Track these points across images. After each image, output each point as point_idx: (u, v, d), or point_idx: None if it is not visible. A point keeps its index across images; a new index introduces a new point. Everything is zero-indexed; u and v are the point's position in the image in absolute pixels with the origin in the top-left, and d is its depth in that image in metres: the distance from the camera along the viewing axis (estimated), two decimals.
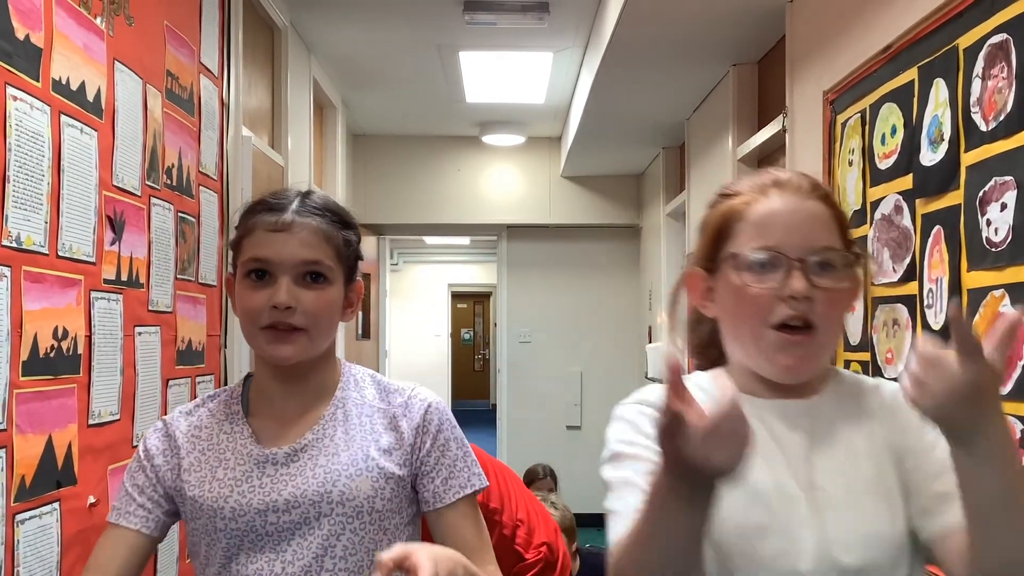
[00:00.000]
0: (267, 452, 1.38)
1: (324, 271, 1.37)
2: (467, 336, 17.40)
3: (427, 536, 1.42)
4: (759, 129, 3.87)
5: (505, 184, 6.98)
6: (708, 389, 0.96)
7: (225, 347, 3.26)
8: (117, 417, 2.35)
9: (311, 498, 1.35)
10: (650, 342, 6.36)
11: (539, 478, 4.70)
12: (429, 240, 12.04)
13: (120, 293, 2.37)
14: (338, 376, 1.47)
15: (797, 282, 1.13)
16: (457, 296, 15.51)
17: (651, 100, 4.81)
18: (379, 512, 1.37)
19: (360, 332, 6.59)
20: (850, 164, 2.71)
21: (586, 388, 7.12)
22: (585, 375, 7.13)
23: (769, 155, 3.87)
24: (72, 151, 2.12)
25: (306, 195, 1.42)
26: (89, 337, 2.19)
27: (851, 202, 2.69)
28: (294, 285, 1.34)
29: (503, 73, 5.27)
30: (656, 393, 1.08)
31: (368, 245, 6.91)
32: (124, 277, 2.39)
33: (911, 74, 2.34)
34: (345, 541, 1.35)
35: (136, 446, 2.45)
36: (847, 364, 2.71)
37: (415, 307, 13.98)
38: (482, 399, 16.50)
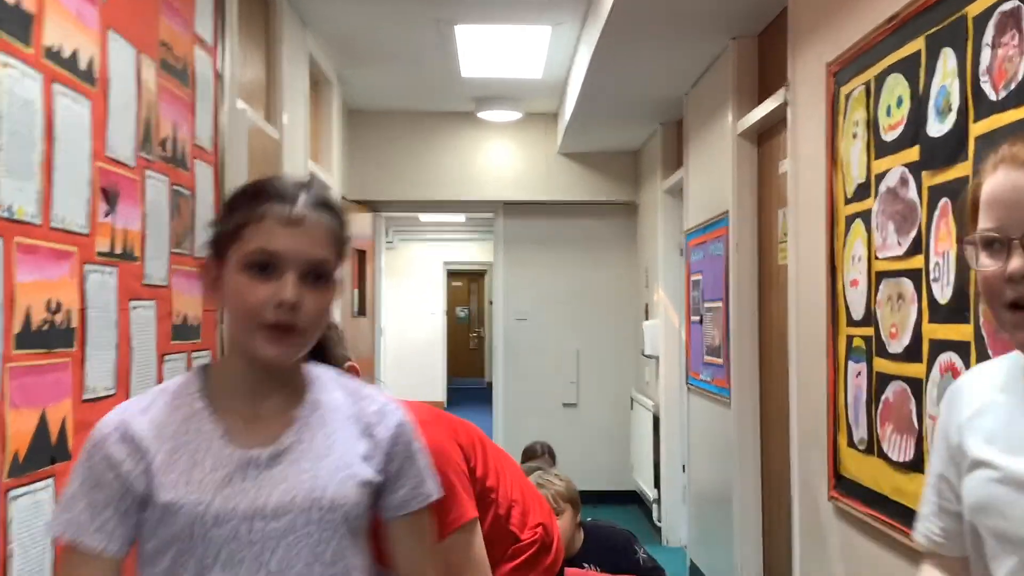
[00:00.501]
0: (249, 453, 1.29)
1: (328, 271, 1.31)
2: (462, 314, 17.37)
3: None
4: (758, 104, 3.83)
5: (501, 160, 6.93)
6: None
7: (222, 322, 3.22)
8: (112, 392, 2.32)
9: (301, 504, 1.28)
10: (647, 319, 6.34)
11: (537, 455, 4.69)
12: (424, 218, 11.98)
13: (114, 266, 2.33)
14: (306, 376, 1.40)
15: (1016, 262, 1.11)
16: (452, 274, 15.47)
17: (649, 75, 4.76)
18: (358, 518, 1.35)
19: (356, 309, 6.56)
20: (854, 137, 2.68)
21: (583, 366, 7.10)
22: (582, 353, 7.11)
23: (770, 129, 3.83)
24: (65, 120, 2.08)
25: (309, 186, 1.34)
26: (83, 311, 2.16)
27: (855, 175, 2.66)
28: (299, 283, 1.27)
29: (500, 47, 5.21)
30: None
31: (363, 222, 6.86)
32: (118, 250, 2.36)
33: (918, 44, 2.30)
34: (333, 548, 1.31)
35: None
36: (849, 339, 2.70)
37: (410, 285, 13.93)
38: (477, 377, 16.50)
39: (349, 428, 1.36)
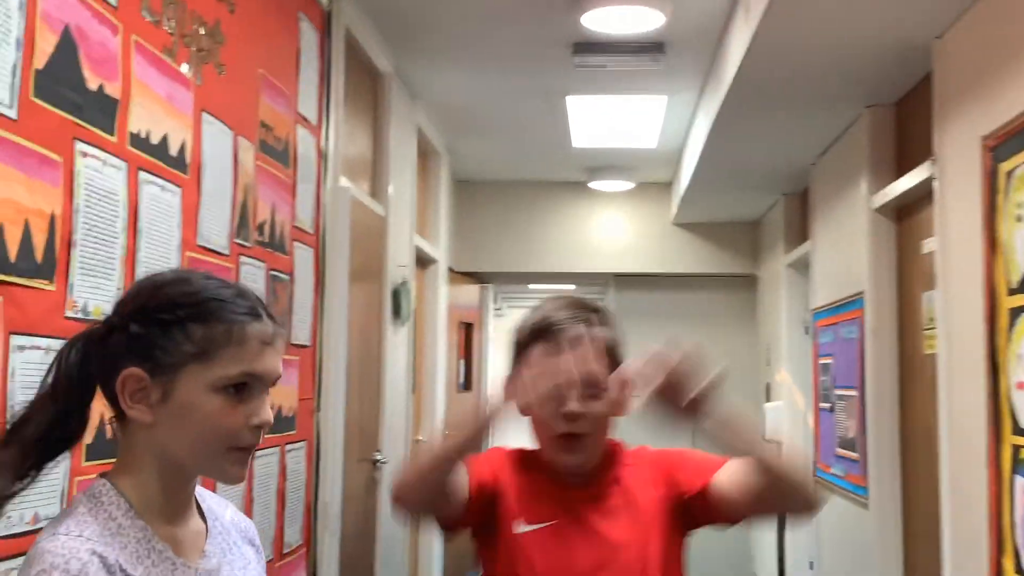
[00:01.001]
0: (201, 567, 1.21)
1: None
2: None
3: None
4: (897, 177, 3.52)
5: (613, 231, 6.71)
6: None
7: (319, 411, 3.07)
8: None
9: None
10: (767, 400, 5.97)
11: None
12: (533, 285, 11.82)
13: None
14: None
15: None
16: None
17: (773, 144, 4.49)
18: None
19: (461, 383, 6.38)
20: (1018, 220, 2.36)
21: (700, 449, 6.72)
22: (699, 436, 6.73)
23: (911, 204, 3.51)
24: (151, 210, 1.96)
25: (257, 298, 1.26)
26: None
27: (1020, 262, 2.34)
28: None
29: (613, 117, 5.03)
30: None
31: (471, 293, 6.72)
32: None
33: None
34: None
35: None
36: (1016, 449, 2.35)
37: None
38: None
39: (238, 537, 1.33)
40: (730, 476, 1.55)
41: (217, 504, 1.32)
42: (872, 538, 3.66)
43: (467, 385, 6.57)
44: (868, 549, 3.72)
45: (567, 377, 1.50)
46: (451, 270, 6.00)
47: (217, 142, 2.27)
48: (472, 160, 6.05)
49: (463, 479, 1.54)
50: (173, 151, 2.05)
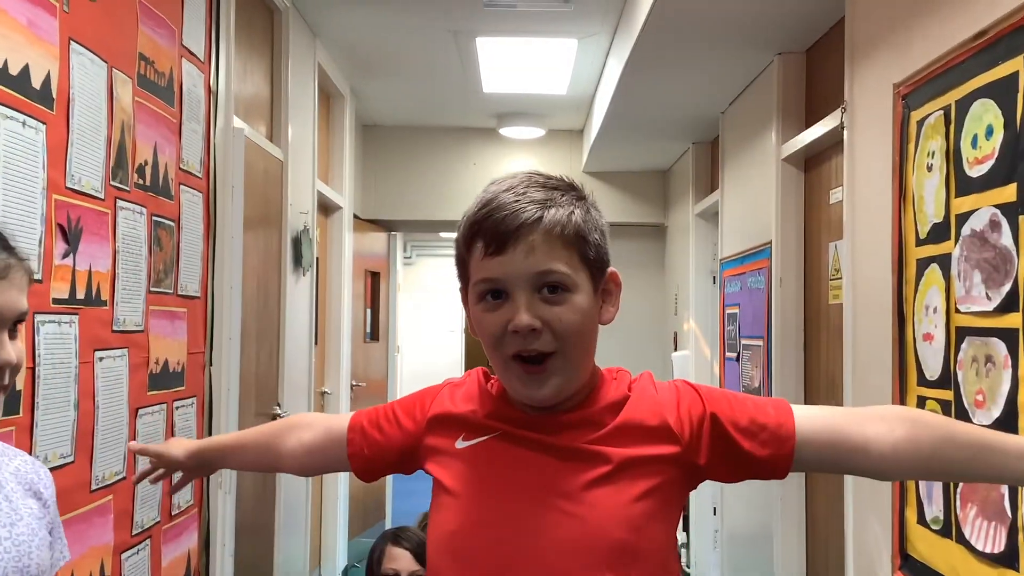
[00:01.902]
0: None
1: None
2: None
3: None
4: (806, 127, 3.48)
5: None
6: None
7: (211, 364, 2.91)
8: (70, 459, 2.00)
9: (10, 574, 1.21)
10: (675, 349, 5.99)
11: None
12: (444, 234, 11.67)
13: (74, 314, 2.02)
14: None
15: None
16: None
17: (684, 91, 4.42)
18: None
19: (368, 334, 6.24)
20: (929, 169, 2.33)
21: None
22: None
23: (819, 154, 3.48)
24: (10, 148, 1.77)
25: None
26: (32, 369, 1.84)
27: (930, 214, 2.31)
28: None
29: (523, 61, 4.89)
30: None
31: (378, 241, 6.55)
32: (80, 295, 2.04)
33: (1014, 64, 1.95)
34: None
35: (97, 489, 2.11)
36: (920, 401, 2.34)
37: (429, 302, 13.64)
38: None
39: (15, 489, 1.28)
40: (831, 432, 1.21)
41: (1, 454, 1.30)
42: (774, 484, 3.68)
43: (375, 335, 6.43)
44: (770, 495, 3.75)
45: (509, 281, 1.14)
46: (356, 217, 5.82)
47: (88, 75, 2.07)
48: (378, 104, 5.85)
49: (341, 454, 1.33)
50: (36, 83, 1.86)
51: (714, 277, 5.28)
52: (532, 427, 1.20)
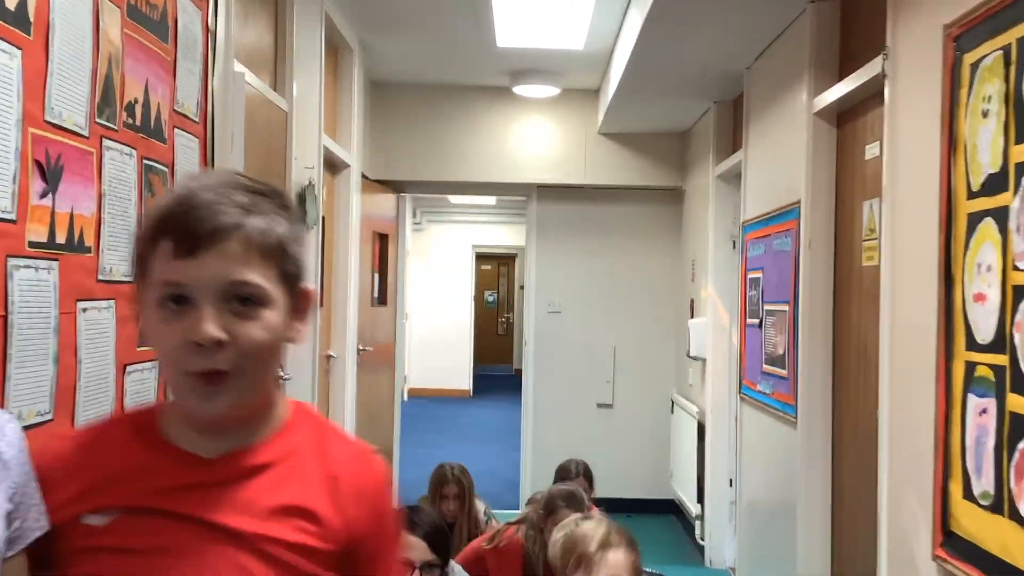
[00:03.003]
0: None
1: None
2: (491, 298, 16.89)
3: None
4: (840, 79, 3.29)
5: (537, 140, 6.41)
6: None
7: None
8: (48, 417, 1.85)
9: None
10: (692, 317, 5.82)
11: (571, 476, 4.17)
12: (454, 199, 11.50)
13: (54, 259, 1.85)
14: None
15: None
16: (481, 257, 14.99)
17: (708, 45, 4.22)
18: None
19: (375, 298, 6.08)
20: (984, 115, 2.14)
21: (619, 364, 6.58)
22: (619, 350, 6.59)
23: (853, 108, 3.28)
24: None
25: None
26: (4, 317, 1.68)
27: (984, 163, 2.13)
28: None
29: (539, 13, 4.69)
30: None
31: (387, 203, 6.38)
32: (60, 239, 1.88)
33: None
34: None
35: None
36: (970, 366, 2.17)
37: (438, 268, 13.48)
38: (505, 364, 16.04)
39: None
40: None
41: None
42: (799, 457, 3.52)
43: (382, 299, 6.27)
44: (793, 468, 3.59)
45: (197, 288, 1.02)
46: (365, 178, 5.64)
47: None
48: (388, 60, 5.65)
49: None
50: (10, 3, 1.68)
51: (734, 242, 5.10)
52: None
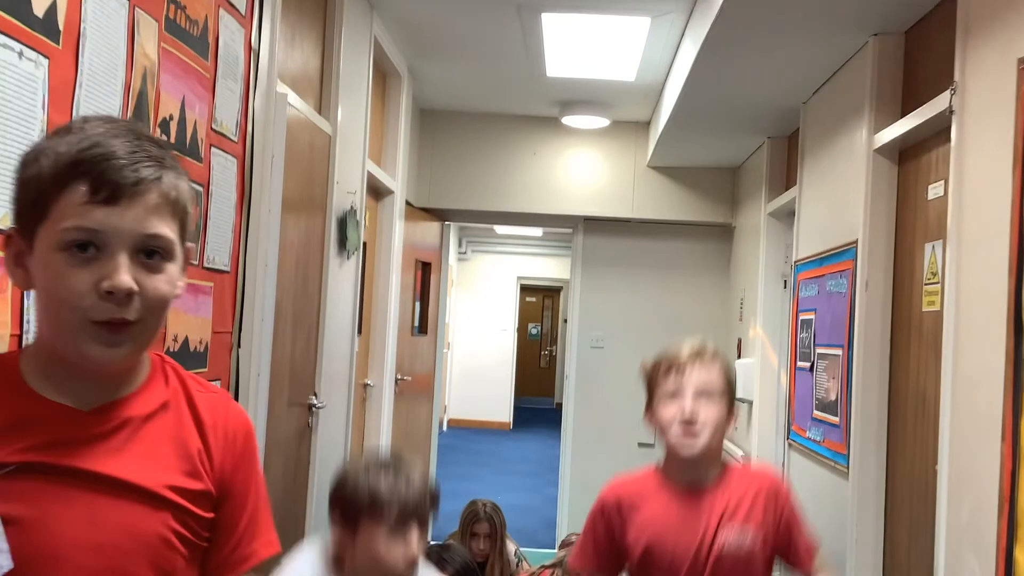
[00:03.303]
0: None
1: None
2: (534, 331, 16.78)
3: None
4: (903, 115, 3.15)
5: (585, 172, 6.31)
6: None
7: (239, 346, 2.67)
8: None
9: None
10: (739, 356, 5.65)
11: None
12: (500, 230, 11.44)
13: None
14: None
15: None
16: (526, 289, 14.90)
17: (763, 78, 4.10)
18: None
19: (416, 327, 6.00)
20: None
21: None
22: None
23: (914, 146, 3.14)
24: (4, 83, 1.54)
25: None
26: (19, 336, 1.61)
27: None
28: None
29: (590, 42, 4.61)
30: None
31: (431, 231, 6.32)
32: None
33: None
34: None
35: None
36: None
37: (482, 299, 13.41)
38: (547, 396, 15.89)
39: None
40: None
41: None
42: (849, 510, 3.35)
43: (423, 329, 6.20)
44: (844, 521, 3.41)
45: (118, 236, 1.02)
46: (409, 205, 5.58)
47: (104, 9, 1.84)
48: (437, 87, 5.60)
49: None
50: (38, 10, 1.63)
51: (785, 281, 4.94)
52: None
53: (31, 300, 1.62)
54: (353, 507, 1.91)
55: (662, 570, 1.94)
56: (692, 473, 2.00)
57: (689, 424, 1.94)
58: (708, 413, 1.95)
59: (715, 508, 1.96)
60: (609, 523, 2.02)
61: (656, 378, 2.02)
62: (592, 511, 2.08)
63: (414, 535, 1.93)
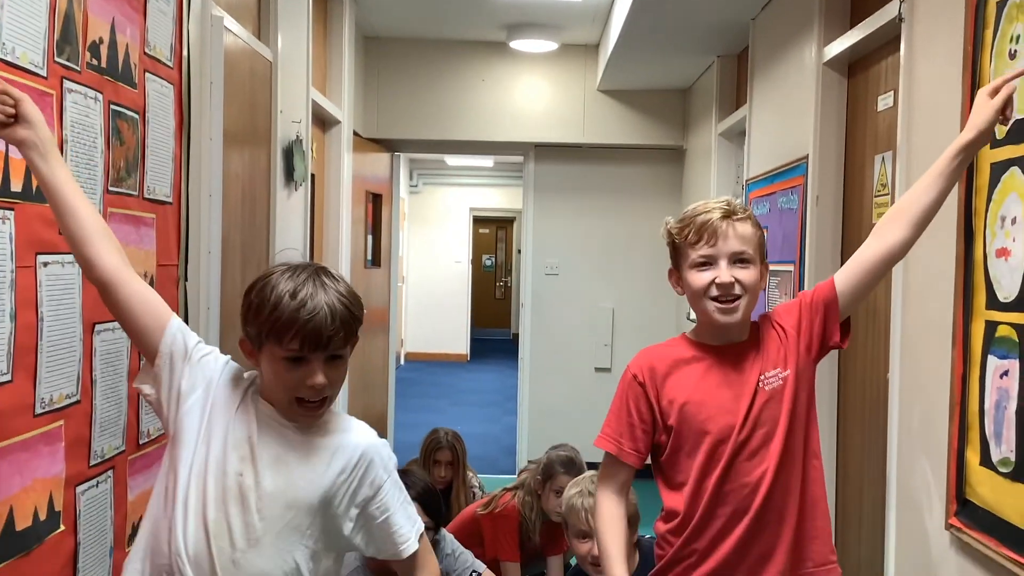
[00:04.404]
0: None
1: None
2: (488, 263, 16.76)
3: None
4: (853, 26, 3.13)
5: (534, 97, 6.24)
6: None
7: (186, 280, 2.61)
8: (7, 378, 1.72)
9: None
10: None
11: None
12: (451, 161, 11.32)
13: (9, 208, 1.71)
14: None
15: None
16: (479, 221, 14.82)
17: None
18: None
19: (369, 260, 5.94)
20: (1012, 56, 2.00)
21: (618, 327, 6.46)
22: (617, 312, 6.46)
23: (865, 57, 3.13)
24: None
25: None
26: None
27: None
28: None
29: None
30: None
31: (380, 162, 6.22)
32: (16, 187, 1.74)
33: None
34: None
35: (43, 414, 1.83)
36: (991, 326, 2.04)
37: (435, 231, 13.32)
38: (503, 328, 15.94)
39: None
40: None
41: None
42: None
43: (375, 261, 6.14)
44: None
45: None
46: (357, 135, 5.48)
47: None
48: (381, 12, 5.47)
49: None
50: None
51: (737, 200, 4.95)
52: None
53: None
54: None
55: (708, 427, 1.81)
56: (727, 336, 1.86)
57: (728, 291, 1.79)
58: (745, 278, 1.80)
59: (755, 361, 1.83)
60: (643, 391, 1.86)
61: (684, 242, 1.85)
62: (622, 385, 1.90)
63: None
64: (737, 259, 1.81)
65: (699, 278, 1.82)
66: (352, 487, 1.67)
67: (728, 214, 1.83)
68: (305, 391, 1.62)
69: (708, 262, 1.82)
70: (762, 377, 1.82)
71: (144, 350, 1.69)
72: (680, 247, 1.87)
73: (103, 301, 1.68)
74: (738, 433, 1.80)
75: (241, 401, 1.67)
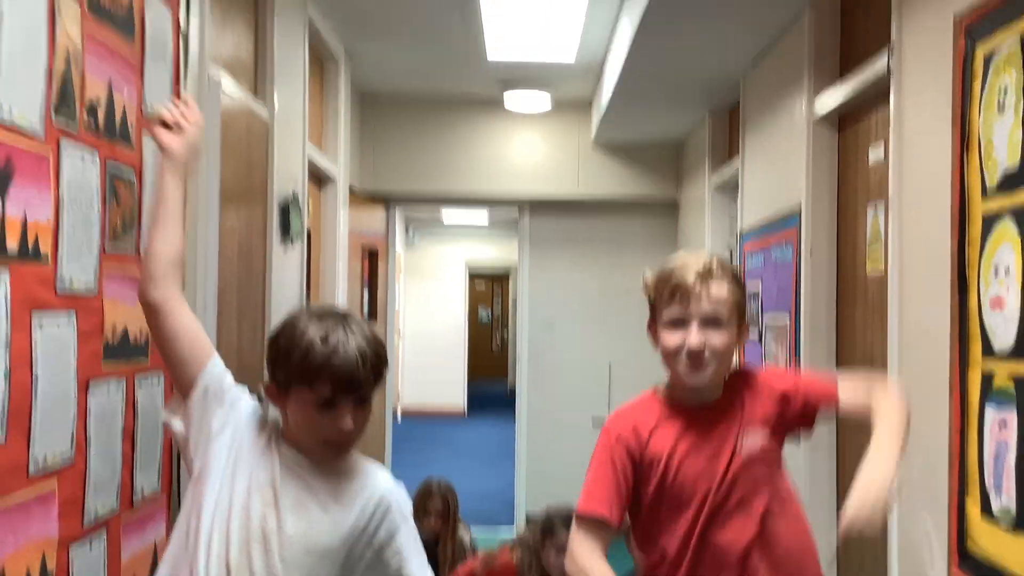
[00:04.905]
0: None
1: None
2: (484, 316, 16.77)
3: None
4: (842, 80, 3.17)
5: (528, 153, 6.29)
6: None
7: None
8: (0, 439, 1.70)
9: None
10: None
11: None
12: (447, 219, 11.38)
13: (2, 267, 1.72)
14: None
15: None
16: (476, 275, 14.86)
17: (702, 52, 4.11)
18: None
19: (366, 312, 5.94)
20: (1000, 109, 2.02)
21: (616, 380, 6.44)
22: (615, 366, 6.45)
23: (855, 110, 3.16)
24: None
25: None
26: None
27: (1001, 160, 2.00)
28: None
29: (529, 25, 4.58)
30: None
31: (376, 217, 6.25)
32: (13, 247, 1.74)
33: None
34: None
35: (37, 474, 1.81)
36: (987, 377, 2.04)
37: (431, 285, 13.35)
38: (499, 380, 15.90)
39: None
40: None
41: None
42: (802, 475, 3.38)
43: (371, 315, 6.14)
44: (797, 483, 3.44)
45: None
46: (352, 191, 5.51)
47: None
48: (376, 70, 5.53)
49: None
50: None
51: (731, 253, 4.98)
52: None
53: None
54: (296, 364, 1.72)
55: (685, 491, 1.79)
56: (699, 396, 1.85)
57: (696, 356, 1.78)
58: (716, 343, 1.77)
59: (732, 420, 1.82)
60: (628, 451, 1.82)
61: (659, 299, 1.83)
62: (601, 446, 1.87)
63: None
64: (709, 321, 1.78)
65: (670, 338, 1.81)
66: (370, 532, 1.70)
67: (703, 275, 1.79)
68: (334, 434, 1.63)
69: (680, 323, 1.80)
70: (739, 438, 1.81)
71: (179, 380, 1.75)
72: (655, 303, 1.86)
73: (148, 323, 1.77)
74: (715, 495, 1.78)
75: (266, 445, 1.70)
